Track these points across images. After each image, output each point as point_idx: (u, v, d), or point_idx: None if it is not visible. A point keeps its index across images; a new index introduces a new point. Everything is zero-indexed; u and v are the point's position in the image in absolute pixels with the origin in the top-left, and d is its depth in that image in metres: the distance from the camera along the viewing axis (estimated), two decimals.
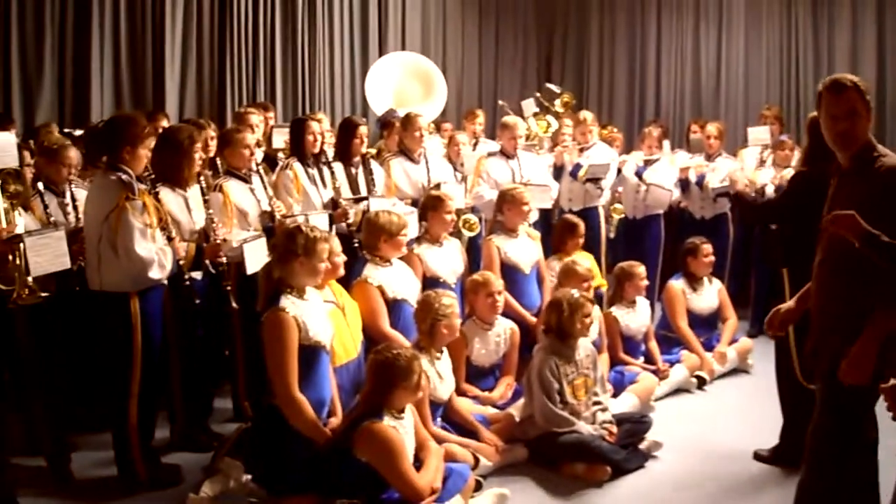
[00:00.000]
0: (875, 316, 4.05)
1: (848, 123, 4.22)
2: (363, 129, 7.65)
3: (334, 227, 6.85)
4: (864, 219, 4.06)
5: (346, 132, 7.64)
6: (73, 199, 6.20)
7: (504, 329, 6.75)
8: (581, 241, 7.95)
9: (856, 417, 4.30)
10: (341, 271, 5.82)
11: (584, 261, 7.53)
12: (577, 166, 8.97)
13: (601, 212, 9.20)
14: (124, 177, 5.33)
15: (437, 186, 7.66)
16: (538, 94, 11.01)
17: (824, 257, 4.40)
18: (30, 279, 5.02)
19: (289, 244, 4.98)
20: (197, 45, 10.25)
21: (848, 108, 4.21)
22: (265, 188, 6.69)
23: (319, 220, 6.52)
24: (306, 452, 4.90)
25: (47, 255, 5.15)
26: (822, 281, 4.43)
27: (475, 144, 9.62)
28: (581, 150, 9.20)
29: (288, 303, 4.90)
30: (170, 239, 5.58)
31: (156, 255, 5.32)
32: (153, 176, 5.73)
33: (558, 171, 9.18)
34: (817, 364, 4.49)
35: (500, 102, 10.58)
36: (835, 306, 4.31)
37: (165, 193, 5.83)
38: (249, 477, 5.17)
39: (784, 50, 11.36)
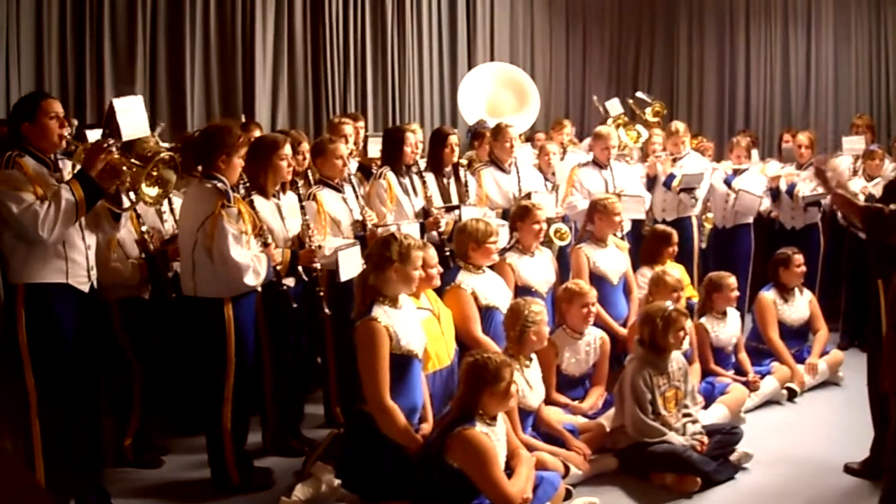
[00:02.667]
0: None
1: None
2: (454, 139, 7.69)
3: (426, 236, 6.87)
4: None
5: (437, 142, 7.70)
6: (171, 206, 6.32)
7: (594, 338, 6.76)
8: (675, 250, 7.93)
9: None
10: (437, 281, 5.85)
11: (674, 271, 7.51)
12: (671, 176, 8.96)
13: (694, 222, 9.18)
14: (220, 185, 5.41)
15: (528, 196, 7.67)
16: (630, 102, 10.99)
17: None
18: None
19: (383, 252, 5.03)
20: (289, 55, 10.34)
21: None
22: (357, 197, 6.77)
23: (412, 230, 6.57)
24: (398, 459, 4.92)
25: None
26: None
27: (563, 154, 9.63)
28: (674, 161, 9.17)
29: (381, 312, 4.94)
30: (265, 245, 5.68)
31: (251, 261, 5.40)
32: (248, 184, 5.85)
33: (651, 182, 9.18)
34: (889, 376, 4.47)
35: (595, 98, 10.56)
36: None
37: (259, 201, 5.93)
38: (340, 482, 5.23)
39: (873, 57, 11.22)
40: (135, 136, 5.34)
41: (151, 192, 5.19)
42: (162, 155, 5.16)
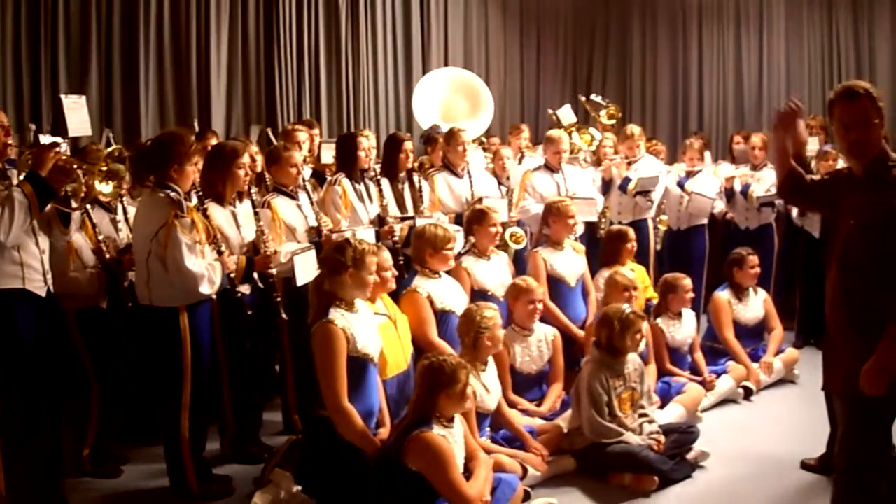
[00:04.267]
0: (890, 329, 4.06)
1: (861, 132, 4.21)
2: (409, 145, 7.73)
3: (381, 244, 6.86)
4: (878, 228, 4.11)
5: (391, 148, 7.73)
6: (126, 215, 6.29)
7: (544, 334, 6.78)
8: (633, 247, 7.94)
9: (880, 429, 4.31)
10: (392, 285, 5.88)
11: (628, 271, 7.56)
12: (626, 179, 9.01)
13: (650, 224, 9.24)
14: (172, 194, 5.39)
15: (480, 200, 7.69)
16: (585, 104, 11.04)
17: (840, 271, 4.41)
18: None
19: (338, 257, 5.05)
20: (243, 62, 10.34)
21: (861, 116, 4.21)
22: (312, 204, 6.77)
23: (366, 235, 6.59)
24: (356, 463, 4.93)
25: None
26: (836, 294, 4.43)
27: (521, 158, 9.66)
28: (629, 164, 9.22)
29: (337, 315, 4.95)
30: (219, 253, 5.68)
31: (206, 270, 5.40)
32: (201, 193, 5.85)
33: (607, 185, 9.22)
34: (834, 377, 4.52)
35: (549, 111, 10.59)
36: (849, 318, 4.33)
37: (214, 209, 5.93)
38: (300, 488, 5.22)
39: (825, 58, 11.32)
40: (79, 133, 5.44)
41: (105, 188, 5.19)
42: (110, 149, 5.18)
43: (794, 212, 9.24)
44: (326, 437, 4.98)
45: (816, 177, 4.88)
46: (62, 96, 5.55)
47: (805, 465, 6.12)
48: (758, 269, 8.14)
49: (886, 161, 4.25)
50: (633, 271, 7.69)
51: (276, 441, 6.44)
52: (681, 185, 9.32)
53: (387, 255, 5.82)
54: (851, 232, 4.33)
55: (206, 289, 5.40)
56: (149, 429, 6.39)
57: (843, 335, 4.36)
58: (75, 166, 5.02)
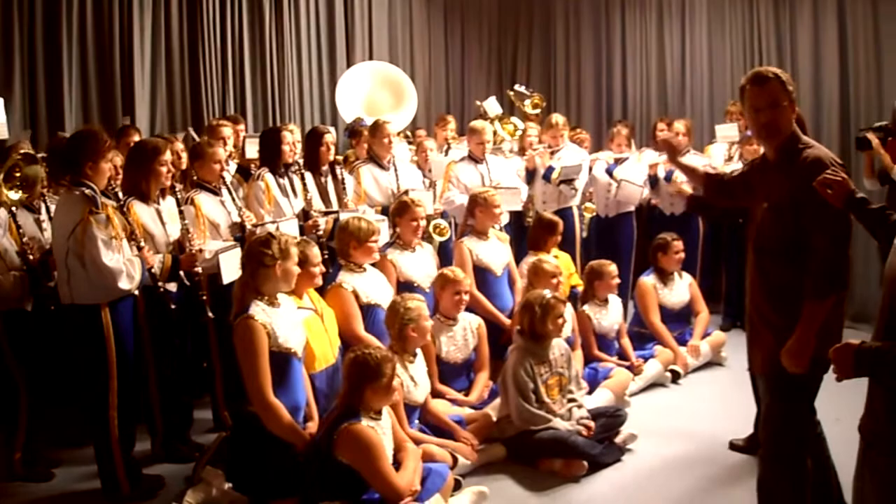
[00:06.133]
0: (806, 308, 4.15)
1: (771, 114, 4.28)
2: (329, 138, 7.73)
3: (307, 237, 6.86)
4: (788, 209, 4.19)
5: (312, 142, 7.73)
6: (49, 215, 6.21)
7: (469, 323, 6.83)
8: (559, 238, 8.03)
9: (804, 405, 4.40)
10: (319, 280, 5.89)
11: (552, 259, 7.61)
12: (550, 169, 9.03)
13: (575, 212, 9.26)
14: (87, 191, 5.37)
15: (406, 192, 7.69)
16: (510, 94, 11.07)
17: (755, 253, 4.49)
18: None
19: (263, 251, 5.03)
20: (166, 57, 10.20)
21: (771, 98, 4.27)
22: (235, 200, 6.74)
23: (290, 227, 6.60)
24: (286, 457, 4.93)
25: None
26: (753, 276, 4.51)
27: (447, 150, 9.67)
28: (552, 153, 9.25)
29: (258, 310, 4.94)
30: (139, 249, 5.65)
31: (123, 265, 5.37)
32: (120, 190, 5.82)
33: (531, 175, 9.24)
34: (754, 357, 4.60)
35: (477, 103, 10.60)
36: (767, 300, 4.41)
37: (138, 206, 5.91)
38: (231, 485, 5.21)
39: (747, 46, 11.37)
40: None
41: (13, 195, 5.13)
42: (18, 154, 5.12)
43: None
44: (255, 432, 4.96)
45: (736, 172, 4.97)
46: None
47: (733, 446, 6.22)
48: (682, 254, 8.25)
49: (797, 143, 4.32)
50: (556, 258, 7.74)
51: (207, 439, 6.44)
52: (609, 172, 9.40)
53: (315, 251, 5.83)
54: (765, 214, 4.41)
55: (125, 284, 5.38)
56: (79, 430, 6.34)
57: (763, 316, 4.44)
58: None
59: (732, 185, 4.92)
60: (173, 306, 5.96)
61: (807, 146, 4.31)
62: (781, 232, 4.29)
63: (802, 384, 4.29)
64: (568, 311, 6.83)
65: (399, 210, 7.00)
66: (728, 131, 9.52)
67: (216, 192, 6.64)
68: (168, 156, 6.09)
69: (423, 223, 7.09)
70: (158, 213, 6.09)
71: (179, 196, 6.21)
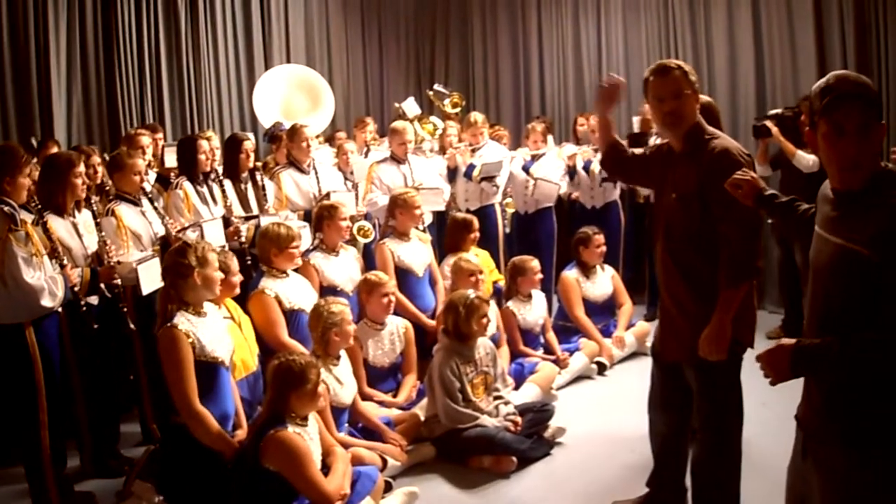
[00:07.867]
0: (721, 296, 4.24)
1: (675, 103, 4.35)
2: (248, 144, 7.69)
3: (227, 245, 6.83)
4: (695, 199, 4.28)
5: (231, 148, 7.69)
6: None
7: (396, 326, 6.84)
8: (476, 236, 8.06)
9: (730, 385, 4.50)
10: (237, 290, 5.87)
11: (473, 256, 7.64)
12: (471, 167, 9.08)
13: (497, 209, 9.32)
14: (6, 208, 5.28)
15: (328, 196, 7.70)
16: (430, 94, 11.10)
17: (665, 244, 4.56)
18: None
19: (181, 260, 4.99)
20: (82, 68, 10.09)
21: (673, 88, 4.35)
22: (155, 209, 6.69)
23: (214, 228, 6.58)
24: (215, 466, 4.90)
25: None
26: (666, 266, 4.58)
27: (367, 152, 9.67)
28: (473, 151, 9.29)
29: (182, 319, 4.90)
30: (62, 266, 5.57)
31: (46, 283, 5.29)
32: (39, 205, 5.73)
33: (452, 173, 9.28)
34: (667, 344, 4.68)
35: (396, 105, 10.61)
36: (685, 288, 4.48)
37: (54, 220, 5.81)
38: (162, 498, 5.18)
39: (663, 41, 11.48)
40: None
41: None
42: None
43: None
44: (184, 443, 4.92)
45: (639, 151, 5.00)
46: None
47: None
48: (604, 248, 8.33)
49: (703, 134, 4.40)
50: (477, 256, 7.78)
51: (137, 453, 6.37)
52: (526, 169, 9.43)
53: (235, 261, 5.82)
54: (673, 204, 4.47)
55: (47, 302, 5.29)
56: (7, 450, 6.25)
57: (681, 304, 4.50)
58: None
59: (633, 162, 4.95)
60: (96, 326, 5.86)
61: (713, 136, 4.39)
62: (689, 222, 4.37)
63: (726, 366, 4.38)
64: (492, 308, 6.87)
65: (324, 213, 6.99)
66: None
67: (136, 203, 6.58)
68: (82, 167, 6.02)
69: (347, 225, 7.11)
70: (75, 225, 6.02)
71: (96, 208, 6.15)
